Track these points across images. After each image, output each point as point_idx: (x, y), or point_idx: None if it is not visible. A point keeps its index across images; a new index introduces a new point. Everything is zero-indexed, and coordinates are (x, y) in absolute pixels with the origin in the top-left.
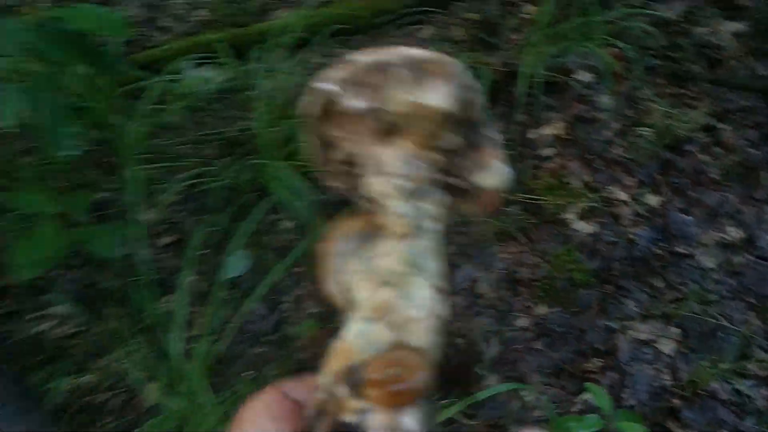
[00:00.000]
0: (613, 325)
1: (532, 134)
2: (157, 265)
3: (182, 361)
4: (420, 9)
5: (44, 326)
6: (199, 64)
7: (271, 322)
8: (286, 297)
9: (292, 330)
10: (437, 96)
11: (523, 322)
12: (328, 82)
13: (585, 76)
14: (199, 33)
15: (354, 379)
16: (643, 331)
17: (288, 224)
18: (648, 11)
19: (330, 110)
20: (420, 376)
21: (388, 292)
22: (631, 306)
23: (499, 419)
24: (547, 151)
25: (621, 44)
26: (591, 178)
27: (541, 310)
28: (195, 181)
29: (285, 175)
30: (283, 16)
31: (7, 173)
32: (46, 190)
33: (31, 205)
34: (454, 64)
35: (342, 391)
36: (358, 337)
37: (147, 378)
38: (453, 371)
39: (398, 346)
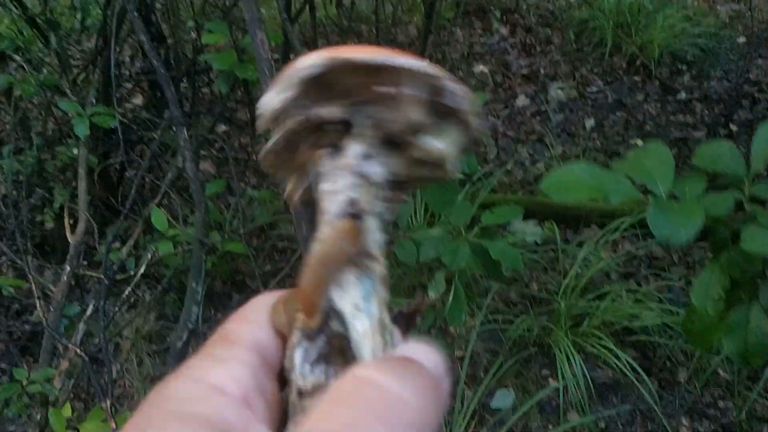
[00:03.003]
0: None
1: None
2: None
3: None
4: None
5: None
6: (526, 217)
7: None
8: None
9: None
10: (449, 145)
11: None
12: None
13: None
14: (534, 186)
15: None
16: None
17: (554, 383)
18: None
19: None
20: None
21: (379, 339)
22: None
23: None
24: None
25: None
26: None
27: None
28: (493, 325)
29: (568, 349)
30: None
31: None
32: None
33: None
34: (478, 106)
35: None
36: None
37: None
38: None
39: None
